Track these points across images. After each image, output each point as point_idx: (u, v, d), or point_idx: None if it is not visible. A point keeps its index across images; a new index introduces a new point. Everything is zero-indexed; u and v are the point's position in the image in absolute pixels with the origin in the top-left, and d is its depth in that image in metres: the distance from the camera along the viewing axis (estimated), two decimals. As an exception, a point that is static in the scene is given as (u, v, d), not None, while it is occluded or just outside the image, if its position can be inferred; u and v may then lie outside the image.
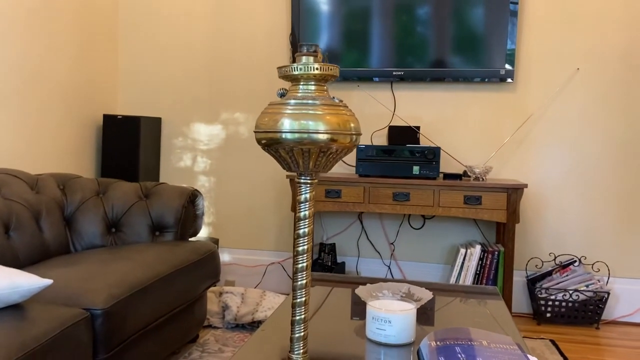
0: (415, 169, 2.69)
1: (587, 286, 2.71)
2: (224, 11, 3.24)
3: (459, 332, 1.18)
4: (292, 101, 0.96)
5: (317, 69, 0.95)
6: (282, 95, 0.99)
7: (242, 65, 3.23)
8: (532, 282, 2.85)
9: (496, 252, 2.70)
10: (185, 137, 3.32)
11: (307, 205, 1.00)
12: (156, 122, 3.27)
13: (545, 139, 2.91)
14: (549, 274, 2.85)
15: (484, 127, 2.97)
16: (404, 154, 2.72)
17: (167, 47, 3.32)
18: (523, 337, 2.53)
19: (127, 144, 3.07)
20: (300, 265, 1.01)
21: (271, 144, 0.95)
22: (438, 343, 1.12)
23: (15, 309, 1.42)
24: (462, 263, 2.75)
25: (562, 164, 2.90)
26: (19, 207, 2.00)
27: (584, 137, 2.87)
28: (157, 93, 3.34)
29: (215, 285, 2.69)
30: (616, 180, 2.85)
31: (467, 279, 2.73)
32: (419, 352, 1.15)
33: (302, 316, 1.02)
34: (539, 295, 2.74)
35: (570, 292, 2.70)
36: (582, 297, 2.70)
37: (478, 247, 2.73)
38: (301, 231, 1.01)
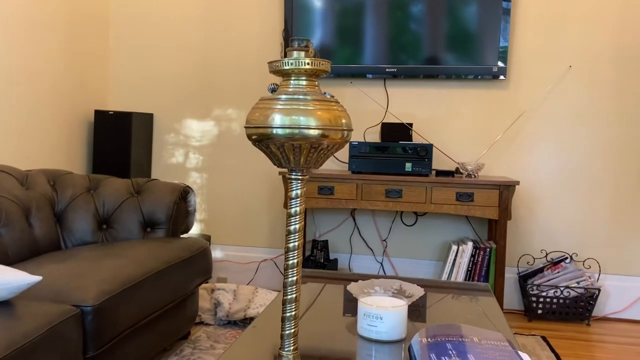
0: (408, 166, 2.69)
1: (578, 283, 2.73)
2: (216, 7, 3.22)
3: (450, 328, 1.18)
4: (283, 96, 0.96)
5: (308, 64, 0.95)
6: (273, 91, 0.98)
7: (235, 61, 3.22)
8: (524, 279, 2.86)
9: (488, 249, 2.71)
10: (177, 133, 3.31)
11: (298, 202, 1.00)
12: (148, 118, 3.25)
13: (537, 136, 2.92)
14: (540, 270, 2.86)
15: (477, 124, 2.97)
16: (396, 150, 2.72)
17: (158, 43, 3.30)
18: (514, 333, 2.54)
19: (118, 140, 3.05)
20: (291, 262, 1.01)
21: (262, 139, 0.95)
22: (429, 339, 1.12)
23: (4, 305, 1.41)
24: (454, 260, 2.76)
25: (554, 161, 2.91)
26: (8, 203, 1.99)
27: (575, 134, 2.88)
28: (149, 89, 3.32)
29: (207, 282, 2.68)
30: (607, 178, 2.86)
31: (459, 275, 2.73)
32: (410, 349, 1.15)
33: (293, 313, 1.01)
34: (531, 292, 2.75)
35: (562, 288, 2.71)
36: (573, 293, 2.71)
37: (470, 244, 2.73)
38: (292, 227, 1.00)
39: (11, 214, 1.98)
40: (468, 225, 3.01)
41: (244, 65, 3.21)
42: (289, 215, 1.01)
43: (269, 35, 3.17)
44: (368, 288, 1.50)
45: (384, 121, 3.02)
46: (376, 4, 2.93)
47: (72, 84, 3.02)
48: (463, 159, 2.98)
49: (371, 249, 3.12)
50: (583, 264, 2.88)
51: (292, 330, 1.01)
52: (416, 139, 3.00)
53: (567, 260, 2.83)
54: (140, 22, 3.32)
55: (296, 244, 1.01)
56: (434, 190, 2.63)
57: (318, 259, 3.00)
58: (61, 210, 2.26)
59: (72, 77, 3.02)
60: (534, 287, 2.75)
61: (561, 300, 2.72)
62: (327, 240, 3.07)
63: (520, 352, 1.09)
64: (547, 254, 2.92)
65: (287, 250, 1.01)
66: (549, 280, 2.76)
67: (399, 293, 1.47)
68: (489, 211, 2.60)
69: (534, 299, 2.75)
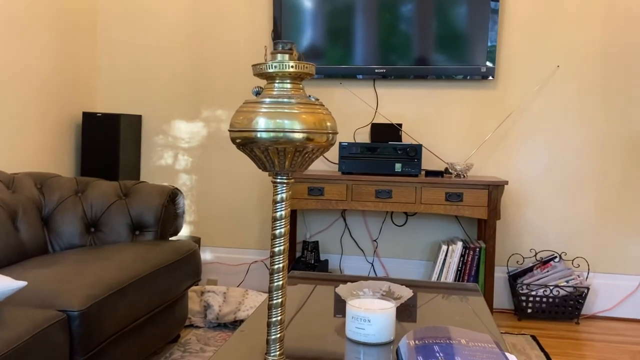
0: (398, 167, 2.70)
1: (567, 282, 2.74)
2: (204, 8, 3.21)
3: (437, 330, 1.18)
4: (268, 99, 0.95)
5: (292, 67, 0.94)
6: (257, 94, 0.98)
7: (224, 63, 3.20)
8: (513, 278, 2.87)
9: (477, 249, 2.71)
10: (166, 135, 3.29)
11: (283, 205, 0.99)
12: (136, 120, 3.23)
13: (526, 136, 2.93)
14: (529, 270, 2.87)
15: (466, 125, 2.98)
16: (386, 151, 2.72)
17: (147, 44, 3.28)
18: (504, 332, 2.55)
19: (106, 142, 3.03)
20: (276, 266, 1.00)
21: (246, 143, 0.94)
22: (417, 342, 1.12)
23: (-11, 311, 1.39)
24: (444, 260, 2.76)
25: (543, 160, 2.92)
26: (-6, 207, 1.96)
27: (564, 133, 2.90)
28: (138, 90, 3.30)
29: (196, 285, 2.66)
30: (596, 177, 2.88)
31: (449, 275, 2.74)
32: (397, 351, 1.15)
33: (279, 317, 1.00)
34: (520, 291, 2.76)
35: (551, 287, 2.73)
36: (562, 292, 2.73)
37: (459, 244, 2.74)
38: (277, 231, 1.00)
39: (-3, 218, 1.95)
40: (458, 225, 3.02)
41: (233, 66, 3.19)
42: (274, 219, 1.00)
43: (258, 36, 3.15)
44: (357, 290, 1.50)
45: (373, 122, 3.02)
46: (366, 5, 2.93)
47: (59, 86, 3.00)
48: (452, 159, 2.98)
49: (362, 250, 3.11)
50: (572, 263, 2.89)
51: (278, 335, 1.01)
52: (406, 140, 3.00)
53: (556, 260, 2.84)
54: (128, 23, 3.29)
55: (282, 248, 1.00)
56: (423, 191, 2.64)
57: (308, 260, 3.00)
58: (48, 213, 2.24)
59: (59, 79, 2.99)
60: (524, 287, 2.76)
61: (550, 299, 2.73)
62: (317, 241, 3.06)
63: (507, 354, 1.09)
64: (536, 253, 2.93)
65: (273, 255, 1.00)
66: (538, 280, 2.77)
67: (388, 295, 1.47)
68: (478, 211, 2.60)
69: (523, 298, 2.76)
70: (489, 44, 2.84)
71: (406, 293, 1.46)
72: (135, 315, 1.81)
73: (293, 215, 3.07)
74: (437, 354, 1.06)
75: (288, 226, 1.00)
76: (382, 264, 3.10)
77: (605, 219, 2.88)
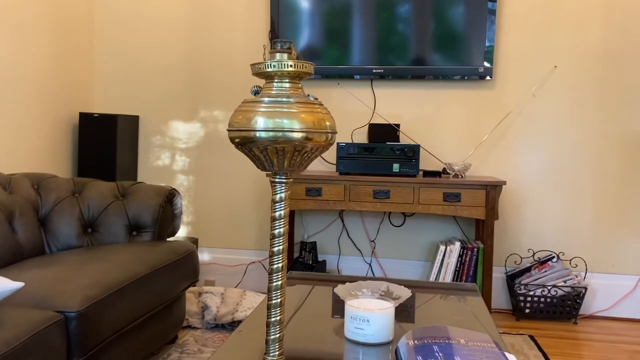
0: (396, 167, 2.69)
1: (565, 282, 2.74)
2: (202, 8, 3.20)
3: (436, 330, 1.18)
4: (266, 99, 0.95)
5: (291, 66, 0.94)
6: (256, 93, 0.97)
7: (221, 63, 3.20)
8: (511, 278, 2.87)
9: (475, 249, 2.71)
10: (163, 135, 3.28)
11: (282, 205, 0.99)
12: (133, 120, 3.22)
13: (524, 136, 2.93)
14: (527, 270, 2.87)
15: (463, 125, 2.98)
16: (384, 151, 2.71)
17: (144, 44, 3.27)
18: (502, 332, 2.55)
19: (103, 143, 3.02)
20: (275, 266, 1.00)
21: (245, 142, 0.94)
22: (416, 342, 1.12)
23: (-15, 312, 1.38)
24: (442, 260, 2.76)
25: (540, 160, 2.92)
26: (-10, 208, 1.95)
27: (561, 134, 2.90)
28: (135, 90, 3.30)
29: (194, 285, 2.66)
30: (593, 177, 2.88)
31: (447, 275, 2.74)
32: (397, 351, 1.14)
33: (278, 317, 1.00)
34: (518, 291, 2.76)
35: (549, 287, 2.73)
36: (560, 292, 2.73)
37: (457, 244, 2.74)
38: (276, 231, 0.99)
39: (-7, 218, 1.95)
40: (456, 225, 3.02)
41: (231, 66, 3.19)
42: (273, 219, 1.00)
43: (256, 36, 3.15)
44: (355, 290, 1.49)
45: (371, 122, 3.02)
46: (363, 5, 2.93)
47: (56, 86, 2.99)
48: (450, 160, 2.98)
49: (360, 250, 3.11)
50: (570, 263, 2.90)
51: (277, 335, 1.00)
52: (403, 140, 3.00)
53: (554, 260, 2.84)
54: (125, 24, 3.29)
55: (281, 247, 1.00)
56: (421, 191, 2.64)
57: (306, 261, 2.99)
58: (45, 214, 2.23)
59: (56, 79, 2.98)
60: (522, 287, 2.76)
61: (548, 299, 2.74)
62: (315, 242, 3.06)
63: (506, 354, 1.09)
64: (534, 253, 2.93)
65: (272, 255, 1.00)
66: (536, 280, 2.78)
67: (386, 295, 1.47)
68: (476, 211, 2.60)
69: (521, 298, 2.76)
70: (487, 44, 2.84)
71: (405, 293, 1.46)
72: (133, 316, 1.81)
73: (291, 216, 3.07)
74: (437, 354, 1.06)
75: (287, 226, 1.00)
76: (380, 264, 3.10)
77: (602, 218, 2.88)
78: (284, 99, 0.94)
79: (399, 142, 2.90)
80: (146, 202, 2.29)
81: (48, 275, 1.70)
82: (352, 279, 1.65)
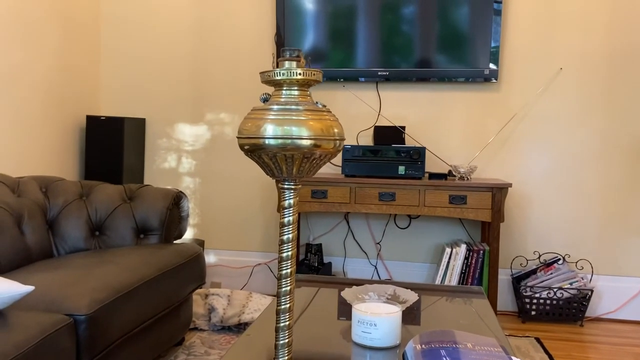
0: (401, 169, 2.70)
1: (571, 284, 2.74)
2: (208, 10, 3.22)
3: (444, 334, 1.18)
4: (275, 106, 0.96)
5: (300, 74, 0.95)
6: (265, 101, 0.98)
7: (227, 65, 3.21)
8: (517, 281, 2.87)
9: (481, 251, 2.72)
10: (169, 138, 3.30)
11: (291, 211, 1.00)
12: (140, 123, 3.24)
13: (529, 138, 2.93)
14: (533, 272, 2.87)
15: (469, 127, 2.99)
16: (389, 154, 2.72)
17: (150, 47, 3.29)
18: (508, 335, 2.55)
19: (110, 146, 3.04)
20: (284, 272, 1.01)
21: (254, 149, 0.95)
22: (423, 346, 1.13)
23: (-4, 316, 1.40)
24: (448, 262, 2.76)
25: (546, 163, 2.92)
26: (-1, 211, 1.97)
27: (567, 136, 2.90)
28: (141, 93, 3.31)
29: (201, 288, 2.67)
30: (599, 179, 2.88)
31: (453, 278, 2.74)
32: (404, 356, 1.15)
33: (287, 322, 1.01)
34: (524, 294, 2.76)
35: (555, 290, 2.73)
36: (566, 294, 2.73)
37: (463, 247, 2.74)
38: (285, 237, 1.00)
39: (3, 221, 1.96)
40: (461, 227, 3.02)
41: (237, 70, 3.20)
42: (282, 225, 1.00)
43: (261, 39, 3.16)
44: (362, 294, 1.50)
45: (376, 124, 3.03)
46: (368, 7, 2.94)
47: (63, 90, 3.01)
48: (456, 162, 2.99)
49: (365, 252, 3.12)
50: (576, 265, 2.90)
51: (287, 340, 1.01)
52: (409, 142, 3.01)
53: (560, 262, 2.84)
54: (131, 27, 3.30)
55: (289, 253, 1.01)
56: (427, 193, 2.64)
57: (312, 263, 3.00)
58: (53, 217, 2.25)
59: (63, 83, 3.00)
60: (527, 289, 2.76)
61: (554, 302, 2.73)
62: (320, 244, 3.07)
63: (514, 358, 1.09)
64: (540, 256, 2.93)
65: (281, 260, 1.01)
66: (542, 282, 2.78)
67: (393, 299, 1.48)
68: (482, 213, 2.61)
69: (527, 300, 2.76)
70: (492, 45, 2.85)
71: (411, 297, 1.47)
72: (141, 319, 1.82)
73: (296, 218, 3.07)
74: (444, 358, 1.07)
75: (296, 232, 1.00)
76: (386, 266, 3.10)
77: (608, 220, 2.88)
78: (293, 107, 0.95)
79: (404, 144, 2.90)
80: (153, 204, 2.30)
81: (57, 278, 1.71)
82: (358, 282, 1.66)
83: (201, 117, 3.26)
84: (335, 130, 0.97)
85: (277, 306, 1.01)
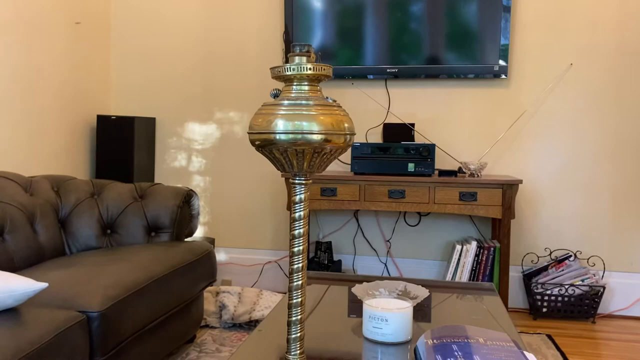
0: (411, 166, 2.70)
1: (582, 280, 2.72)
2: (216, 10, 3.23)
3: (455, 329, 1.18)
4: (286, 102, 0.96)
5: (310, 69, 0.95)
6: (275, 96, 0.99)
7: (236, 64, 3.22)
8: (528, 277, 2.86)
9: (492, 248, 2.71)
10: (179, 137, 3.31)
11: (302, 206, 1.00)
12: (150, 122, 3.26)
13: (540, 135, 2.92)
14: (544, 269, 2.86)
15: (479, 124, 2.97)
16: (398, 151, 2.72)
17: (159, 47, 3.31)
18: (519, 332, 2.54)
19: (121, 145, 3.06)
20: (296, 266, 1.01)
21: (265, 145, 0.95)
22: (435, 341, 1.13)
23: (10, 313, 1.41)
24: (458, 259, 2.76)
25: (557, 159, 2.91)
26: (13, 210, 1.99)
27: (577, 132, 2.88)
28: (151, 93, 3.33)
29: (211, 285, 2.68)
30: (610, 175, 2.86)
31: (464, 275, 2.73)
32: (415, 351, 1.15)
33: (299, 317, 1.01)
34: (535, 290, 2.75)
35: (566, 286, 2.71)
36: (577, 291, 2.71)
37: (474, 244, 2.73)
38: (296, 232, 1.01)
39: (16, 220, 1.99)
40: (472, 224, 3.01)
41: (246, 68, 3.21)
42: (293, 220, 1.01)
43: (270, 37, 3.17)
44: (373, 290, 1.50)
45: (385, 122, 3.02)
46: (376, 5, 2.93)
47: (74, 90, 3.03)
48: (466, 159, 2.98)
49: (375, 250, 3.12)
50: (587, 262, 2.88)
51: (299, 334, 1.02)
52: (418, 139, 3.00)
53: (571, 258, 2.82)
54: (141, 27, 3.32)
55: (301, 248, 1.01)
56: (437, 190, 2.64)
57: (322, 261, 3.01)
58: (65, 215, 2.27)
59: (74, 83, 3.03)
60: (539, 286, 2.75)
61: (566, 299, 2.72)
62: (330, 242, 3.07)
63: (526, 353, 1.09)
64: (551, 252, 2.91)
65: (292, 255, 1.01)
66: (553, 279, 2.76)
67: (404, 295, 1.47)
68: (492, 210, 2.60)
69: (538, 297, 2.74)
70: (502, 42, 2.83)
71: (422, 293, 1.47)
72: (153, 316, 1.83)
73: (306, 216, 3.08)
74: (456, 353, 1.07)
75: (307, 226, 1.01)
76: (396, 264, 3.10)
77: (620, 217, 2.86)
78: (303, 102, 0.95)
79: (413, 141, 2.90)
80: (164, 203, 2.31)
81: (69, 275, 1.73)
82: (368, 279, 1.66)
83: (211, 116, 3.27)
84: (346, 125, 0.97)
85: (289, 300, 1.01)
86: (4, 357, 1.19)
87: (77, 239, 2.25)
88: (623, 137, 2.84)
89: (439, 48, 2.89)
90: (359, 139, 3.09)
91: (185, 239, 2.40)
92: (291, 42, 3.04)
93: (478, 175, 2.70)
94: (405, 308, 1.26)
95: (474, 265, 2.73)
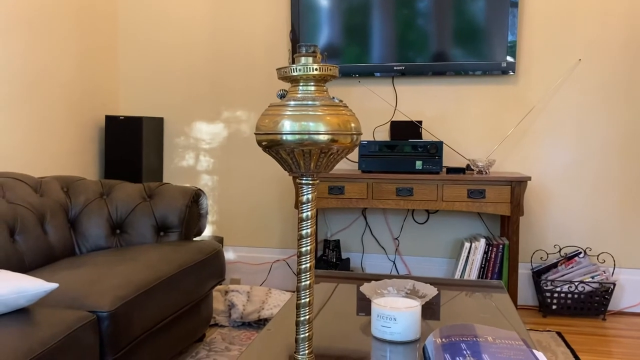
0: (418, 164, 2.69)
1: (592, 277, 2.71)
2: (223, 9, 3.24)
3: (464, 328, 1.18)
4: (292, 102, 0.96)
5: (316, 69, 0.95)
6: (282, 97, 0.99)
7: (243, 63, 3.23)
8: (538, 275, 2.85)
9: (501, 246, 2.70)
10: (187, 137, 3.33)
11: (309, 206, 1.00)
12: (158, 122, 3.27)
13: (548, 131, 2.90)
14: (554, 266, 2.84)
15: (487, 120, 2.96)
16: (406, 149, 2.71)
17: (167, 47, 3.32)
18: (529, 329, 2.53)
19: (129, 145, 3.07)
20: (304, 266, 1.01)
21: (272, 145, 0.95)
22: (443, 340, 1.13)
23: (22, 313, 1.43)
24: (467, 257, 2.75)
25: (565, 155, 2.89)
26: (23, 211, 2.01)
27: (586, 128, 2.86)
28: (159, 93, 3.35)
29: (220, 284, 2.69)
30: (620, 171, 2.84)
31: (472, 272, 2.72)
32: (424, 349, 1.15)
33: (307, 316, 1.02)
34: (545, 288, 2.74)
35: (576, 283, 2.70)
36: (587, 288, 2.69)
37: (482, 241, 2.72)
38: (304, 232, 1.01)
39: (26, 221, 2.00)
40: (480, 222, 3.00)
41: (252, 67, 3.22)
42: (301, 220, 1.01)
43: (277, 36, 3.17)
44: (381, 289, 1.50)
45: (393, 119, 3.02)
46: (382, 2, 2.93)
47: (82, 90, 3.05)
48: (474, 156, 2.97)
49: (383, 248, 3.12)
50: (597, 259, 2.86)
51: (307, 334, 1.02)
52: (426, 137, 3.00)
53: (581, 255, 2.81)
54: (148, 27, 3.34)
55: (308, 248, 1.01)
56: (445, 188, 2.63)
57: (330, 259, 3.01)
58: (75, 216, 2.28)
59: (82, 83, 3.05)
60: (548, 283, 2.74)
61: (576, 295, 2.71)
62: (338, 240, 3.07)
63: (535, 351, 1.09)
64: (560, 249, 2.90)
65: (300, 255, 1.01)
66: (563, 276, 2.75)
67: (412, 293, 1.47)
68: (501, 207, 2.59)
69: (548, 294, 2.73)
70: (509, 38, 2.82)
71: (431, 291, 1.46)
72: (163, 315, 1.84)
73: (314, 214, 3.08)
74: (464, 352, 1.07)
75: (315, 226, 1.01)
76: (404, 262, 3.10)
77: (630, 213, 2.84)
78: (310, 102, 0.95)
79: (421, 139, 2.89)
80: (173, 202, 2.33)
81: (79, 276, 1.74)
82: (377, 277, 1.66)
83: (218, 116, 3.28)
84: (352, 124, 0.97)
85: (297, 300, 1.02)
86: (15, 356, 1.20)
87: (87, 239, 2.26)
88: (632, 132, 2.82)
89: (446, 45, 2.88)
90: (366, 136, 3.08)
91: (194, 238, 2.41)
92: (298, 41, 3.04)
93: (486, 173, 2.69)
94: (413, 307, 1.26)
95: (483, 263, 2.72)
